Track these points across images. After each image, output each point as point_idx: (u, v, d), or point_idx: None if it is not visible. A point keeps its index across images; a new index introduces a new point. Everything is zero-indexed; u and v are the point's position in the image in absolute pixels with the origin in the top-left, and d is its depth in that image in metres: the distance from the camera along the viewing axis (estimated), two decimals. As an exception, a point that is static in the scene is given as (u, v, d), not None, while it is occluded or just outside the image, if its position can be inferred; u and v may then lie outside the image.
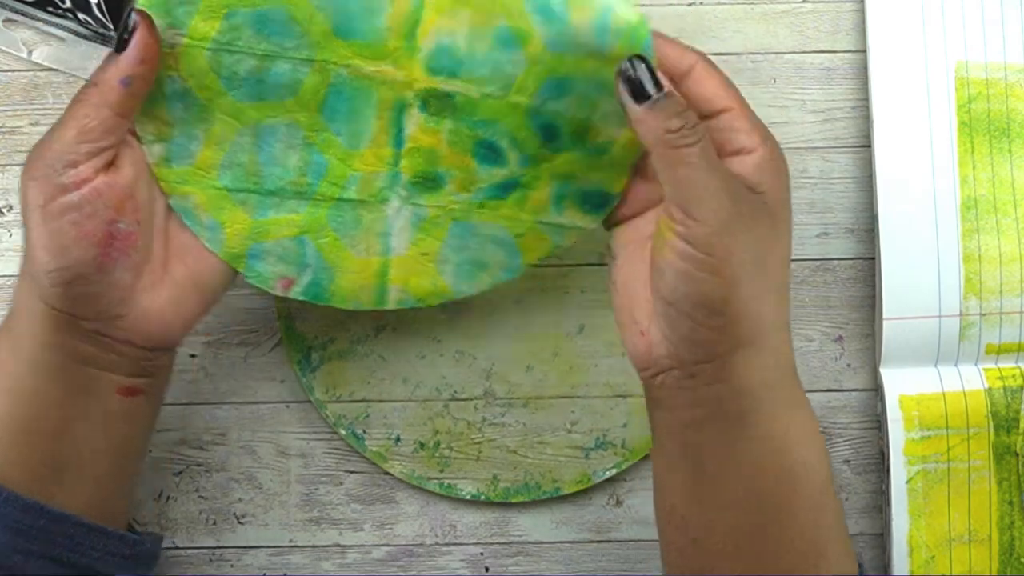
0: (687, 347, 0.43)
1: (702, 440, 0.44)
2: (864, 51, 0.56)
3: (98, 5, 0.55)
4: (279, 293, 0.49)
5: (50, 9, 0.56)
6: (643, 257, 0.45)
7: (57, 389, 0.44)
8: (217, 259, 0.48)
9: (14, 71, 0.57)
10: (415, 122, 0.47)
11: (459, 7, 0.45)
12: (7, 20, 0.57)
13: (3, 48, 0.57)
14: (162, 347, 0.47)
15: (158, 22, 0.44)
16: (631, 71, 0.42)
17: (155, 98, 0.46)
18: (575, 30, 0.44)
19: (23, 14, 0.57)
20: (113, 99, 0.43)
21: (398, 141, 0.47)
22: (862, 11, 0.56)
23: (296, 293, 0.50)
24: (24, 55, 0.57)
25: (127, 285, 0.44)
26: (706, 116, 0.43)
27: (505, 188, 0.48)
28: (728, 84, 0.44)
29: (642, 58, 0.43)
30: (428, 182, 0.48)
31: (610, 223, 0.49)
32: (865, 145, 0.57)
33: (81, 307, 0.44)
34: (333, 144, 0.47)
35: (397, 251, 0.49)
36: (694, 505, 0.44)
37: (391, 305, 0.51)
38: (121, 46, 0.43)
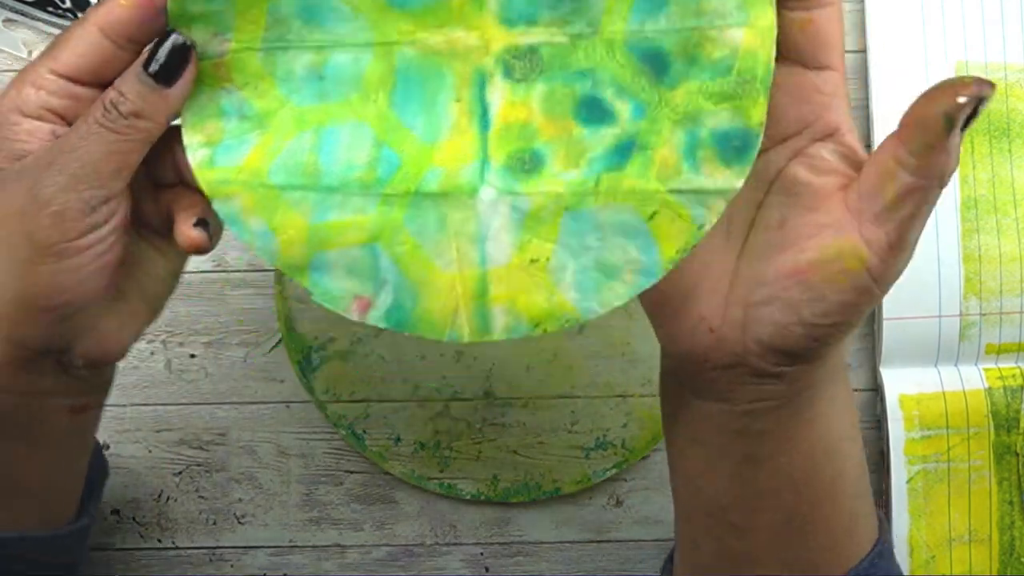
0: (790, 358, 0.38)
1: (761, 426, 0.40)
2: (864, 51, 0.56)
3: (98, 5, 0.55)
4: (355, 318, 0.41)
5: (50, 9, 0.56)
6: (728, 246, 0.40)
7: (3, 430, 0.41)
8: (161, 269, 0.43)
9: (14, 71, 0.57)
10: (501, 95, 0.40)
11: None
12: (7, 20, 0.57)
13: (3, 48, 0.57)
14: (112, 363, 0.43)
15: (200, 32, 0.39)
16: (976, 95, 0.35)
17: (207, 113, 0.40)
18: None
19: (23, 14, 0.57)
20: (155, 136, 0.39)
21: (484, 123, 0.40)
22: (862, 11, 0.56)
23: (375, 318, 0.40)
24: (24, 55, 0.57)
25: (103, 310, 0.41)
26: (811, 66, 0.39)
27: (622, 152, 0.39)
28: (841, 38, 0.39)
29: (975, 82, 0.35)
30: (526, 164, 0.39)
31: None
32: (865, 145, 0.57)
33: (57, 342, 0.40)
34: (408, 139, 0.40)
35: (496, 260, 0.40)
36: (740, 491, 0.41)
37: (499, 334, 0.40)
38: (168, 75, 0.38)
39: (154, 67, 0.38)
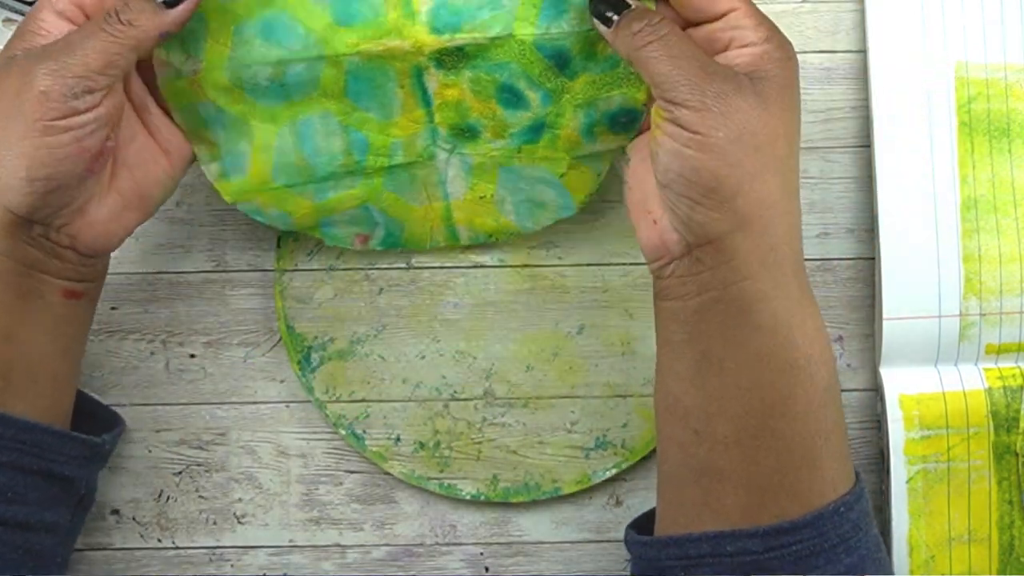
0: (690, 228, 0.44)
1: (709, 327, 0.45)
2: (864, 51, 0.56)
3: (98, 5, 0.55)
4: (358, 248, 0.53)
5: (50, 9, 0.56)
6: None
7: (6, 293, 0.46)
8: (161, 173, 0.49)
9: (14, 71, 0.57)
10: (435, 80, 0.49)
11: None
12: (7, 20, 0.57)
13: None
14: (100, 253, 0.48)
15: (176, 55, 0.48)
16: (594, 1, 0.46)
17: (196, 124, 0.49)
18: None
19: (23, 14, 0.57)
20: (146, 47, 0.45)
21: (426, 100, 0.49)
22: (862, 11, 0.56)
23: (374, 245, 0.53)
24: (24, 55, 0.57)
25: (87, 195, 0.46)
26: (713, 19, 0.45)
27: (535, 131, 0.50)
28: None
29: None
30: (465, 132, 0.50)
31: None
32: (865, 145, 0.57)
33: (41, 213, 0.45)
34: (367, 121, 0.50)
35: (455, 196, 0.52)
36: (697, 394, 0.45)
37: (464, 242, 0.54)
38: (173, 1, 0.45)
39: None
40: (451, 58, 0.48)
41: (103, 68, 0.44)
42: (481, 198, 0.52)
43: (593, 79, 0.49)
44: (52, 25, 0.46)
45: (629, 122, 0.50)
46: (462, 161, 0.51)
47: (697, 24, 0.46)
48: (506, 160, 0.51)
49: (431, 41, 0.48)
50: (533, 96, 0.49)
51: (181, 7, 0.45)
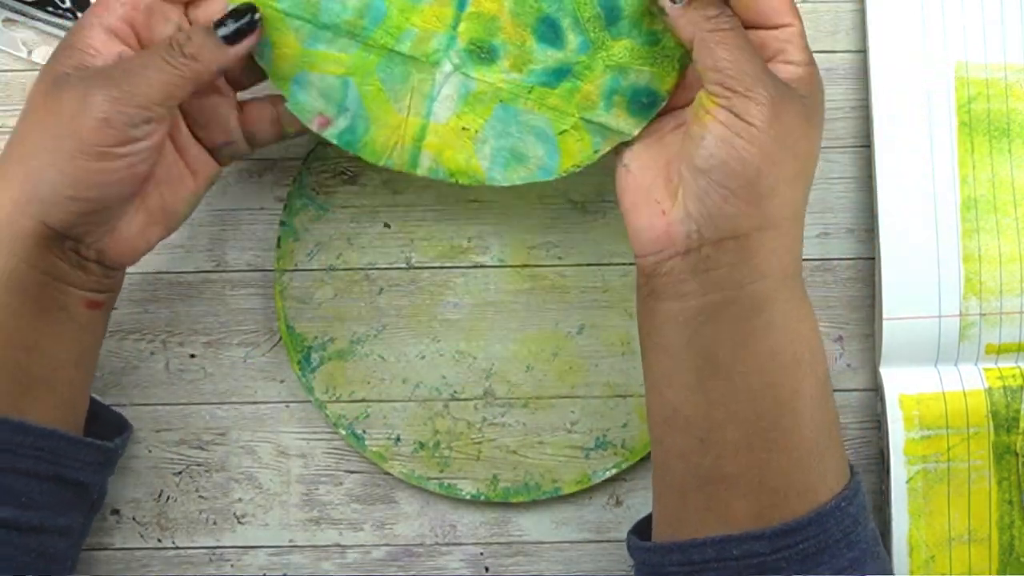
0: (714, 221, 0.44)
1: (715, 330, 0.45)
2: (864, 51, 0.56)
3: (98, 5, 0.55)
4: (315, 130, 0.50)
5: (50, 9, 0.56)
6: (667, 141, 0.48)
7: (31, 305, 0.46)
8: (186, 191, 0.50)
9: (14, 71, 0.57)
10: None
11: None
12: (7, 20, 0.57)
13: (3, 48, 0.57)
14: (123, 267, 0.49)
15: None
16: None
17: None
18: None
19: (23, 14, 0.57)
20: (205, 80, 0.46)
21: (461, 1, 0.48)
22: (862, 11, 0.56)
23: (331, 135, 0.50)
24: (24, 55, 0.57)
25: (122, 213, 0.47)
26: (768, 26, 0.46)
27: (558, 75, 0.49)
28: (793, 2, 0.46)
29: None
30: (483, 53, 0.49)
31: None
32: (865, 145, 0.57)
33: (77, 229, 0.46)
34: None
35: (438, 118, 0.50)
36: (700, 401, 0.45)
37: (421, 172, 0.50)
38: (233, 38, 0.46)
39: (224, 32, 0.46)
40: None
41: (164, 100, 0.45)
42: (464, 129, 0.50)
43: (631, 47, 0.48)
44: (101, 44, 0.46)
45: (648, 105, 0.49)
46: (463, 83, 0.49)
47: (751, 28, 0.46)
48: (511, 97, 0.49)
49: None
50: (572, 39, 0.48)
51: (242, 44, 0.46)
